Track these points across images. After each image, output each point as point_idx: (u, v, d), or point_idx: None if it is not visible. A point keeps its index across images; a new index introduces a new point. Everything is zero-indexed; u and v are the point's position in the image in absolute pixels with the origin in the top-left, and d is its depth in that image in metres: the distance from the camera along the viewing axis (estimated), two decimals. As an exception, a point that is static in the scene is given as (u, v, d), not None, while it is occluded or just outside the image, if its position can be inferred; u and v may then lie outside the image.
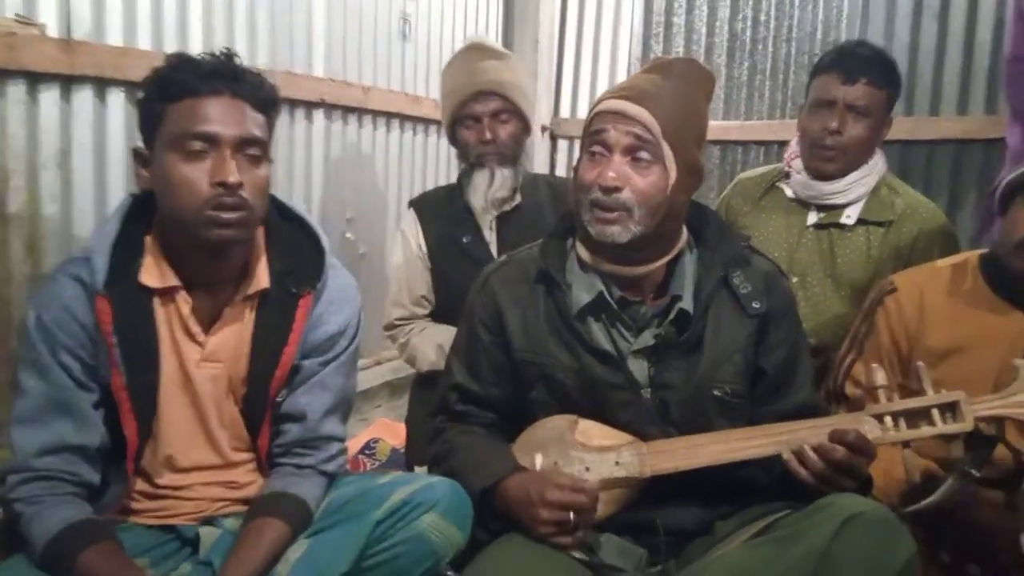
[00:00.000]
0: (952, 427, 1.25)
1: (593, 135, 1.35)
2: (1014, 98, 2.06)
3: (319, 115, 2.70)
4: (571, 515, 1.25)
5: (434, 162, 3.33)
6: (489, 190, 2.05)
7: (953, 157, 3.03)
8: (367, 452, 2.37)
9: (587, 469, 1.34)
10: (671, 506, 1.35)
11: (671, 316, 1.36)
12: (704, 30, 3.48)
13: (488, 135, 2.03)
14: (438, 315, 2.14)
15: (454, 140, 2.14)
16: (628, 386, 1.36)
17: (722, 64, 3.45)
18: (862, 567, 1.11)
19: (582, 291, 1.39)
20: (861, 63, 1.89)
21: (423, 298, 2.14)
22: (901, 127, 2.95)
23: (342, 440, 1.43)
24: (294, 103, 2.59)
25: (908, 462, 1.27)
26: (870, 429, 1.26)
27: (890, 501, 1.41)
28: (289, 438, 1.37)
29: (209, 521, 1.35)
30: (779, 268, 1.45)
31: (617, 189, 1.31)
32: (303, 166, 2.67)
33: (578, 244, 1.42)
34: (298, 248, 1.38)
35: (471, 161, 2.08)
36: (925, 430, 1.25)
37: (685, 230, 1.43)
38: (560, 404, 1.40)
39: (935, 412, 1.26)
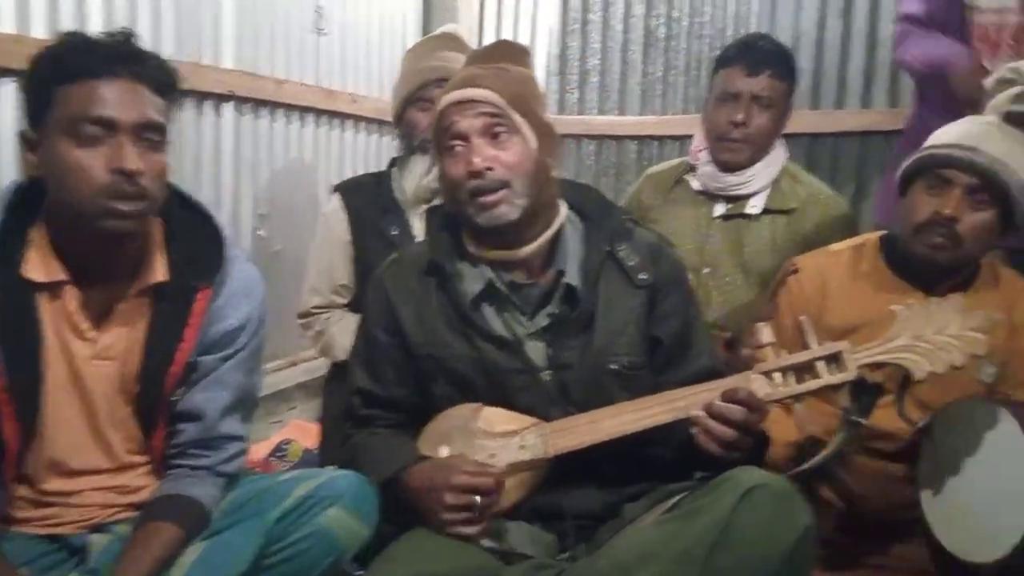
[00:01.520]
0: (837, 377, 1.27)
1: (445, 132, 1.38)
2: (900, 57, 2.12)
3: (228, 108, 2.62)
4: (477, 499, 1.25)
5: (350, 157, 3.26)
6: (426, 177, 2.01)
7: (858, 149, 3.12)
8: (278, 454, 2.31)
9: (492, 456, 1.35)
10: (579, 491, 1.36)
11: (559, 292, 1.38)
12: (620, 27, 3.51)
13: None
14: (357, 306, 2.09)
15: (399, 120, 2.09)
16: (527, 370, 1.37)
17: (638, 60, 3.48)
18: (761, 538, 1.13)
19: (471, 281, 1.40)
20: (764, 56, 1.95)
21: (343, 287, 2.10)
22: (807, 121, 3.08)
23: (243, 440, 1.39)
24: (203, 96, 2.49)
25: (800, 417, 1.30)
26: (760, 387, 1.28)
27: (785, 461, 1.45)
28: (185, 438, 1.32)
29: (99, 528, 1.29)
30: (664, 239, 1.49)
31: (489, 169, 1.33)
32: (211, 161, 2.57)
33: (464, 235, 1.44)
34: (197, 239, 1.33)
35: (413, 145, 2.04)
36: (812, 383, 1.28)
37: (565, 206, 1.45)
38: (463, 395, 1.40)
39: (820, 364, 1.28)
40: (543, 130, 1.39)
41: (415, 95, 2.02)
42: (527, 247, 1.39)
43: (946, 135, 1.55)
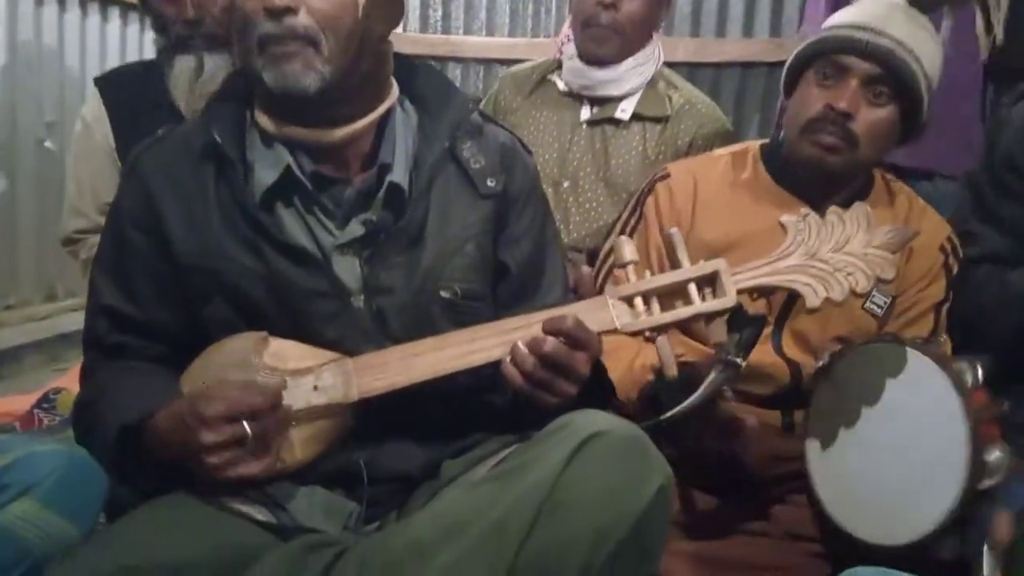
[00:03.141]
0: (713, 304, 1.08)
1: None
2: None
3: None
4: (246, 427, 0.99)
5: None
6: (196, 83, 1.67)
7: (739, 80, 3.05)
8: (44, 406, 1.95)
9: (279, 401, 1.09)
10: (391, 446, 1.12)
11: (381, 193, 1.12)
12: (488, -68, 3.26)
13: (191, 13, 1.63)
14: None
15: (146, 7, 1.74)
16: (334, 293, 1.11)
17: (508, -27, 3.26)
18: (600, 499, 0.91)
19: (265, 168, 1.11)
20: None
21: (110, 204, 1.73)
22: (687, 48, 3.01)
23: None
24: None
25: (662, 351, 1.07)
26: (618, 315, 1.07)
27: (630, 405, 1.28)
28: None
29: None
30: (520, 141, 1.25)
31: (290, 10, 1.02)
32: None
33: (256, 109, 1.14)
34: None
35: (171, 42, 1.69)
36: (682, 311, 1.08)
37: (396, 86, 1.18)
38: (246, 322, 1.12)
39: (692, 288, 1.09)
40: None
41: None
42: (343, 128, 1.11)
43: (843, 16, 1.39)
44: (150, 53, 2.68)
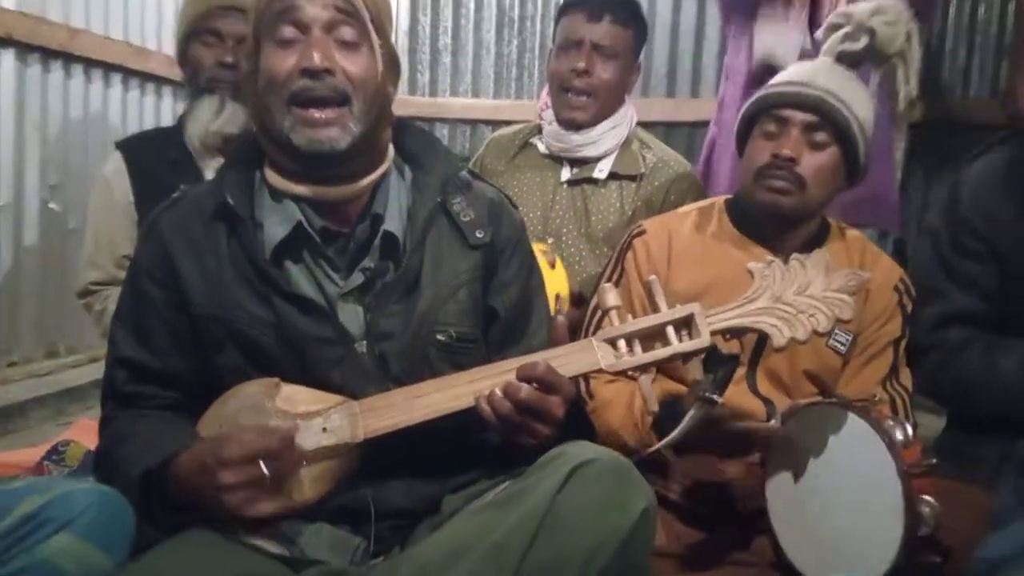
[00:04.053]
0: (689, 344, 1.13)
1: (278, 16, 1.10)
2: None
3: (8, 56, 2.25)
4: (263, 468, 1.02)
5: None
6: (215, 121, 1.74)
7: None
8: (54, 458, 1.96)
9: (290, 442, 1.12)
10: (395, 483, 1.16)
11: (377, 242, 1.17)
12: (472, 5, 3.38)
13: (230, 58, 1.73)
14: None
15: (183, 61, 1.82)
16: (339, 339, 1.14)
17: (491, 41, 3.37)
18: (590, 520, 0.95)
19: (275, 225, 1.15)
20: (605, 1, 1.86)
21: (127, 258, 1.78)
22: (663, 108, 3.13)
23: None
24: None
25: (643, 388, 1.14)
26: (603, 356, 1.12)
27: (634, 443, 1.33)
28: None
29: None
30: (507, 196, 1.31)
31: (329, 72, 1.08)
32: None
33: (267, 168, 1.19)
34: None
35: (200, 86, 1.77)
36: (661, 351, 1.13)
37: (392, 147, 1.24)
38: (256, 368, 1.15)
39: (670, 330, 1.13)
40: (389, 54, 1.18)
41: (199, 26, 1.76)
42: (352, 184, 1.15)
43: (778, 78, 1.50)
44: (150, 118, 2.81)
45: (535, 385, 1.05)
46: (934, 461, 1.14)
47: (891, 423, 1.17)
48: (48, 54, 2.38)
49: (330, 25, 1.10)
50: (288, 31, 1.10)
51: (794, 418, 1.29)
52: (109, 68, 2.62)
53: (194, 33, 1.76)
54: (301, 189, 1.15)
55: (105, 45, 2.56)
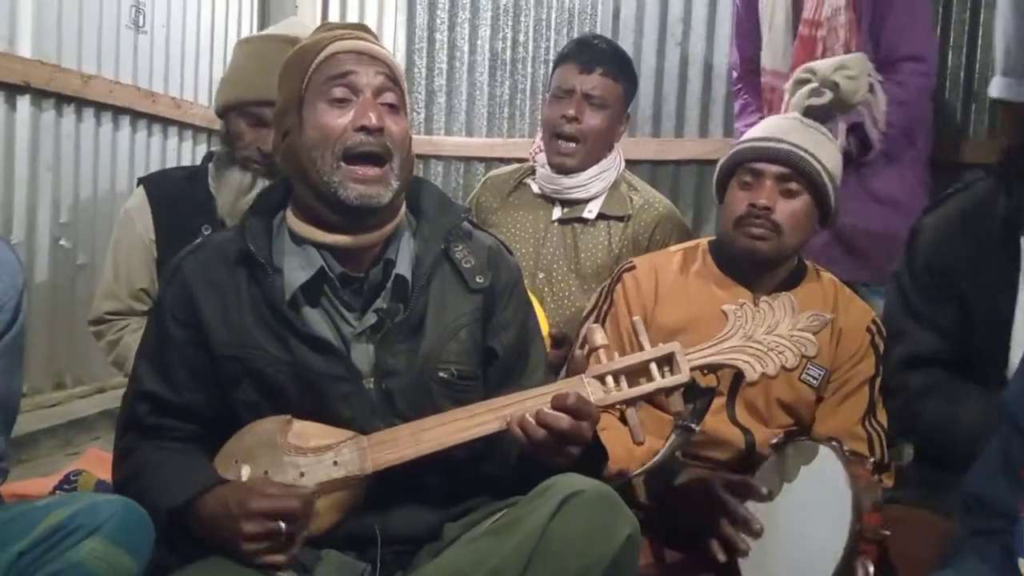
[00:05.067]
0: (670, 380, 1.22)
1: (336, 78, 1.21)
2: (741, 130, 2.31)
3: (24, 101, 2.35)
4: (281, 525, 1.10)
5: (174, 165, 3.02)
6: (242, 198, 1.79)
7: (696, 175, 3.22)
8: (66, 487, 2.02)
9: (302, 475, 1.19)
10: (399, 512, 1.23)
11: (388, 284, 1.26)
12: (466, 47, 3.48)
13: (269, 147, 1.80)
14: None
15: (221, 116, 1.88)
16: (349, 377, 1.22)
17: (484, 82, 3.47)
18: (580, 546, 1.04)
19: (296, 270, 1.23)
20: (597, 54, 1.96)
21: (143, 292, 1.87)
22: (649, 148, 3.20)
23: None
24: (-4, 85, 2.24)
25: (630, 420, 1.23)
26: (593, 391, 1.21)
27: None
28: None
29: None
30: (504, 245, 1.40)
31: (381, 131, 1.20)
32: (2, 157, 2.31)
33: (290, 216, 1.27)
34: None
35: (236, 156, 1.84)
36: (645, 386, 1.22)
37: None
38: (272, 404, 1.23)
39: (653, 367, 1.23)
40: (408, 119, 1.30)
41: (246, 107, 1.80)
42: (374, 233, 1.24)
43: (752, 132, 1.61)
44: (156, 158, 2.90)
45: (568, 413, 1.14)
46: (887, 533, 1.21)
47: (873, 481, 1.25)
48: (62, 99, 2.48)
49: (379, 91, 1.21)
50: (340, 91, 1.21)
51: (783, 453, 1.36)
52: (118, 111, 2.72)
53: (239, 109, 1.81)
54: (327, 237, 1.23)
55: (116, 90, 2.66)
